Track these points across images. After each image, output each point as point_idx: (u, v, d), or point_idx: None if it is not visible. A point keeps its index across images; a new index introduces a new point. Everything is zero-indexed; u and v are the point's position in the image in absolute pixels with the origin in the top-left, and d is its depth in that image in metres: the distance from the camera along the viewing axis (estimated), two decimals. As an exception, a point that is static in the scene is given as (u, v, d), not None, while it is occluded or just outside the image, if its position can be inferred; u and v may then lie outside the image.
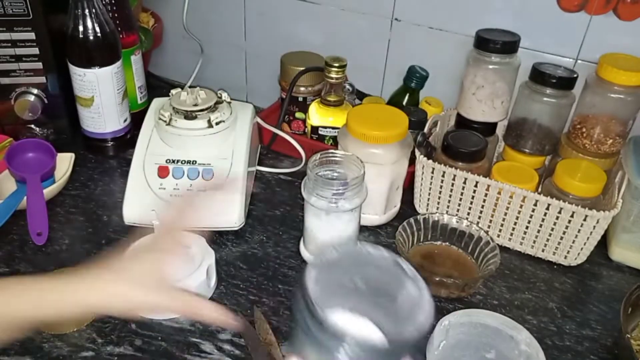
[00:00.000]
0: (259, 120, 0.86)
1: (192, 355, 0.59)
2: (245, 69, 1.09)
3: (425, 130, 0.81)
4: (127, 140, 0.90)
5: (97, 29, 0.78)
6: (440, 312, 0.65)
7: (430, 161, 0.74)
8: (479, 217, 0.76)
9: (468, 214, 0.76)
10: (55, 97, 0.87)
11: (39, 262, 0.69)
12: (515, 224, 0.73)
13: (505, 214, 0.73)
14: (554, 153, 0.81)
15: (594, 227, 0.68)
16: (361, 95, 0.96)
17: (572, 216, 0.68)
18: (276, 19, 1.00)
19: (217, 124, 0.75)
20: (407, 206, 0.82)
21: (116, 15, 0.86)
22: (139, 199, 0.72)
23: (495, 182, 0.71)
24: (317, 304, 0.33)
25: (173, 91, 0.77)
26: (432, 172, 0.75)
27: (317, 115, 0.87)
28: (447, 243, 0.74)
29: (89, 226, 0.76)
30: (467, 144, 0.75)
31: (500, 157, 0.86)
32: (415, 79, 0.89)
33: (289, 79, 0.90)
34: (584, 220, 0.67)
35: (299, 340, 0.39)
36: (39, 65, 0.83)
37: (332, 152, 0.68)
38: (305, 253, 0.72)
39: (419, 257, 0.72)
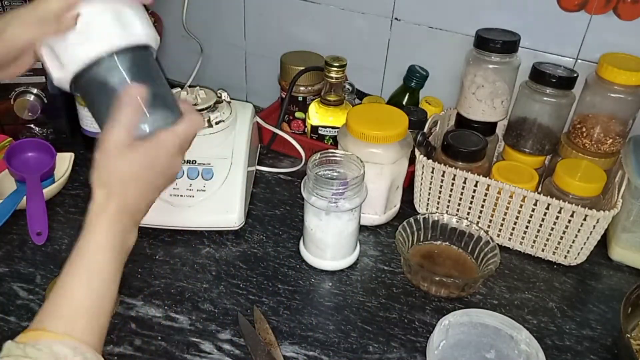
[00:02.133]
0: (258, 119, 0.86)
1: (192, 354, 0.59)
2: (245, 68, 1.09)
3: (425, 129, 0.81)
4: (126, 139, 0.90)
5: (97, 29, 0.78)
6: (440, 312, 0.65)
7: (430, 161, 0.74)
8: (479, 217, 0.76)
9: (468, 213, 0.76)
10: (55, 97, 0.87)
11: (39, 261, 0.69)
12: (515, 223, 0.73)
13: (505, 213, 0.73)
14: (554, 153, 0.81)
15: (594, 226, 0.68)
16: (361, 95, 0.96)
17: (572, 216, 0.68)
18: (276, 18, 1.00)
19: (216, 123, 0.75)
20: (407, 206, 0.82)
21: (116, 14, 0.86)
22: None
23: (495, 182, 0.71)
24: None
25: (173, 90, 0.77)
26: (432, 172, 0.75)
27: (317, 115, 0.87)
28: (447, 243, 0.74)
29: (88, 226, 0.75)
30: (467, 144, 0.75)
31: (500, 157, 0.86)
32: (415, 79, 0.89)
33: (288, 78, 0.90)
34: (584, 220, 0.67)
35: None
36: (38, 64, 0.83)
37: (332, 152, 0.68)
38: (305, 253, 0.72)
39: (419, 256, 0.72)
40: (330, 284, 0.69)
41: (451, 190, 0.75)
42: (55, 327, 0.43)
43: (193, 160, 0.74)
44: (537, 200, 0.69)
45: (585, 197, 0.70)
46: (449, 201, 0.77)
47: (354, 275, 0.71)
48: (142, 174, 0.47)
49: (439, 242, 0.75)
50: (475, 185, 0.73)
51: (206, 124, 0.74)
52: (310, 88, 0.91)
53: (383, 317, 0.65)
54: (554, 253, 0.73)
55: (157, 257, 0.71)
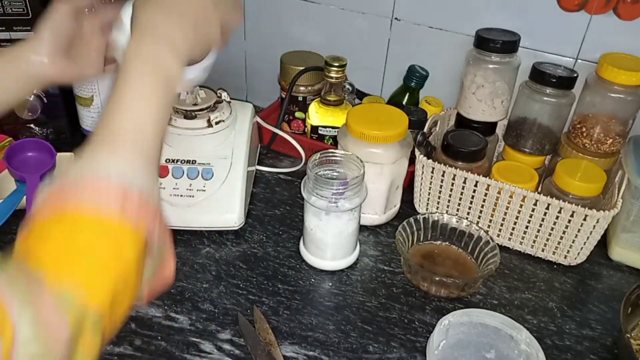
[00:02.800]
0: (258, 119, 0.86)
1: (192, 354, 0.59)
2: (245, 68, 1.09)
3: (425, 129, 0.81)
4: (126, 139, 0.90)
5: (97, 29, 0.78)
6: (440, 311, 0.65)
7: (430, 161, 0.74)
8: (479, 217, 0.76)
9: (468, 213, 0.76)
10: (55, 97, 0.87)
11: (39, 261, 0.69)
12: (515, 223, 0.73)
13: (505, 213, 0.73)
14: (553, 153, 0.81)
15: (594, 226, 0.68)
16: (361, 95, 0.96)
17: (572, 216, 0.68)
18: (276, 19, 0.99)
19: (216, 123, 0.74)
20: (407, 206, 0.82)
21: (116, 14, 0.86)
22: (139, 199, 0.72)
23: (495, 182, 0.71)
24: None
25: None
26: (432, 172, 0.75)
27: (317, 115, 0.87)
28: (447, 243, 0.74)
29: (88, 226, 0.75)
30: (467, 144, 0.75)
31: (500, 157, 0.86)
32: (415, 79, 0.89)
33: (288, 78, 0.90)
34: (584, 219, 0.67)
35: None
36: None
37: (332, 152, 0.68)
38: (305, 253, 0.72)
39: (418, 256, 0.72)
40: (330, 284, 0.69)
41: (451, 190, 0.75)
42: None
43: (193, 160, 0.74)
44: (537, 200, 0.69)
45: (585, 197, 0.70)
46: (448, 201, 0.77)
47: (354, 275, 0.71)
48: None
49: (438, 242, 0.75)
50: (475, 185, 0.73)
51: (206, 124, 0.74)
52: (310, 88, 0.91)
53: (383, 317, 0.65)
54: (554, 253, 0.73)
55: (157, 257, 0.71)
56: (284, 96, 0.92)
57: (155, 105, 0.41)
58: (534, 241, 0.73)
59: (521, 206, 0.71)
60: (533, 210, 0.70)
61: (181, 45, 0.44)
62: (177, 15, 0.44)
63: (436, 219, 0.73)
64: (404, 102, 0.91)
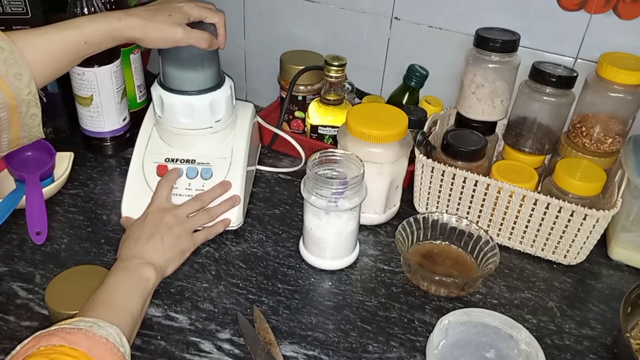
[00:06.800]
0: (259, 119, 0.86)
1: (192, 354, 0.59)
2: (245, 68, 1.09)
3: (425, 129, 0.81)
4: (126, 139, 0.90)
5: (96, 28, 0.78)
6: (440, 311, 0.65)
7: (430, 160, 0.74)
8: (479, 216, 0.76)
9: (468, 213, 0.76)
10: (54, 96, 0.86)
11: (38, 261, 0.69)
12: (514, 223, 0.73)
13: (505, 213, 0.73)
14: (553, 152, 0.81)
15: (594, 226, 0.68)
16: (361, 94, 0.96)
17: (571, 215, 0.68)
18: (276, 18, 0.99)
19: (216, 122, 0.74)
20: (407, 205, 0.82)
21: (115, 14, 0.85)
22: (138, 198, 0.72)
23: (494, 181, 0.71)
24: None
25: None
26: (432, 171, 0.75)
27: (317, 114, 0.87)
28: (447, 242, 0.74)
29: (88, 225, 0.75)
30: (466, 143, 0.75)
31: (500, 156, 0.86)
32: (414, 78, 0.89)
33: (288, 78, 0.90)
34: (584, 219, 0.67)
35: None
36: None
37: (331, 151, 0.68)
38: (304, 252, 0.71)
39: (418, 256, 0.72)
40: (329, 284, 0.69)
41: (451, 189, 0.75)
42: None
43: (192, 160, 0.74)
44: (536, 200, 0.69)
45: (585, 196, 0.70)
46: (448, 200, 0.77)
47: (353, 275, 0.71)
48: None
49: (438, 242, 0.74)
50: (475, 185, 0.73)
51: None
52: (310, 87, 0.91)
53: (383, 317, 0.65)
54: (553, 252, 0.73)
55: (156, 256, 0.71)
56: (283, 96, 0.92)
57: (130, 294, 0.58)
58: (534, 241, 0.73)
59: (521, 205, 0.71)
60: (533, 209, 0.70)
61: (158, 261, 0.64)
62: (152, 242, 0.65)
63: (436, 218, 0.73)
64: (403, 102, 0.91)
